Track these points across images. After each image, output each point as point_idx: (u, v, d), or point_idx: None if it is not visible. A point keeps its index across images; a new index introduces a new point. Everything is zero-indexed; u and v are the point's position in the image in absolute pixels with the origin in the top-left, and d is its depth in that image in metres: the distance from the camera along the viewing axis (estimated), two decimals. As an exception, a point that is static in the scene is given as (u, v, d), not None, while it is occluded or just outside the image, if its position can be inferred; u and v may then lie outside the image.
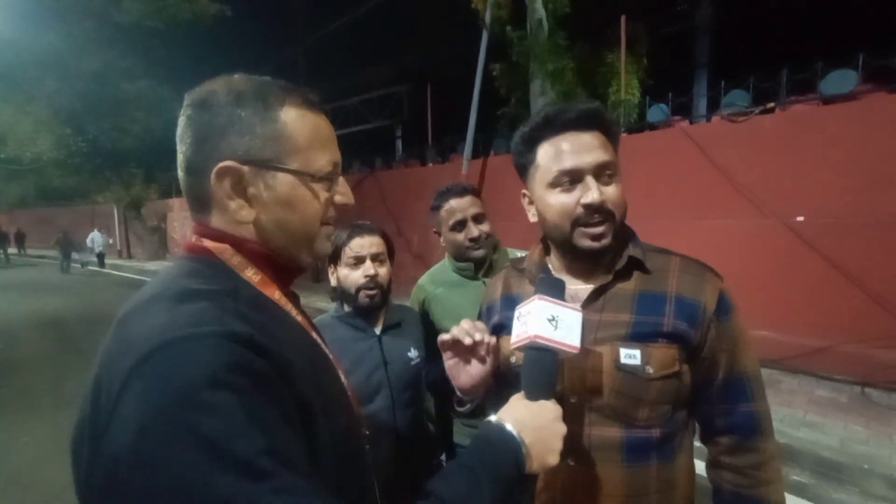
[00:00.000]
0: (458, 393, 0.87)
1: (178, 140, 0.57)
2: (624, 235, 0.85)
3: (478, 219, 1.46)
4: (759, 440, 0.80)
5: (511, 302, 0.93)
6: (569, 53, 7.06)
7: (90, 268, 15.52)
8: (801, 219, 3.91)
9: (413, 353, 1.36)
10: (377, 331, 1.34)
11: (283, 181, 0.56)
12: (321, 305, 6.00)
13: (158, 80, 13.50)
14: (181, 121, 0.56)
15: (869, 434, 2.94)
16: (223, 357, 0.42)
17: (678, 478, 0.80)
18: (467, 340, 0.79)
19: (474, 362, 0.82)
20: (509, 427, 0.60)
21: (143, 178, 16.80)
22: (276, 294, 0.58)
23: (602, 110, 0.82)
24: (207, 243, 0.56)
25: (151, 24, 12.44)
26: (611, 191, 0.79)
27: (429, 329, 1.48)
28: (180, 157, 0.57)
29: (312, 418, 0.48)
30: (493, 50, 6.94)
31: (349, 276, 1.30)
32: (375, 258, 1.30)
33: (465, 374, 0.82)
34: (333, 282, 1.34)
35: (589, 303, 0.83)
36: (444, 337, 0.80)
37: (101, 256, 15.33)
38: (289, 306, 0.59)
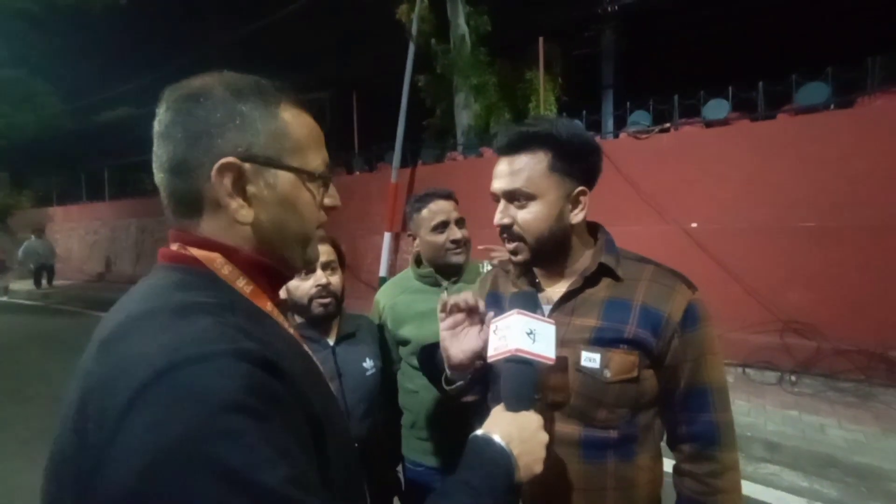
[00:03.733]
0: (448, 371, 0.90)
1: (158, 137, 0.52)
2: (586, 243, 0.90)
3: (460, 223, 1.45)
4: (718, 450, 0.82)
5: (496, 298, 0.99)
6: (490, 69, 7.42)
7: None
8: (694, 225, 4.49)
9: (368, 364, 1.34)
10: (331, 342, 1.31)
11: (284, 180, 0.54)
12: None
13: (30, 69, 11.54)
14: (165, 117, 0.52)
15: (749, 406, 3.44)
16: (240, 379, 0.39)
17: (637, 476, 0.83)
18: (463, 304, 0.83)
19: (468, 337, 0.84)
20: (498, 440, 0.62)
21: (9, 182, 14.31)
22: (268, 305, 0.55)
23: (526, 135, 0.83)
24: (195, 252, 0.52)
25: (20, 6, 10.59)
26: (520, 215, 0.84)
27: (383, 338, 1.47)
28: (164, 156, 0.52)
29: (322, 436, 0.47)
30: (417, 61, 7.05)
31: (300, 286, 1.25)
32: (326, 266, 1.27)
33: (458, 348, 0.85)
34: (283, 294, 1.28)
35: (560, 305, 0.87)
36: (448, 299, 0.84)
37: (48, 271, 10.98)
38: (281, 318, 0.57)
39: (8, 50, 11.31)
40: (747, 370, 4.09)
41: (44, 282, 11.06)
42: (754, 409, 3.40)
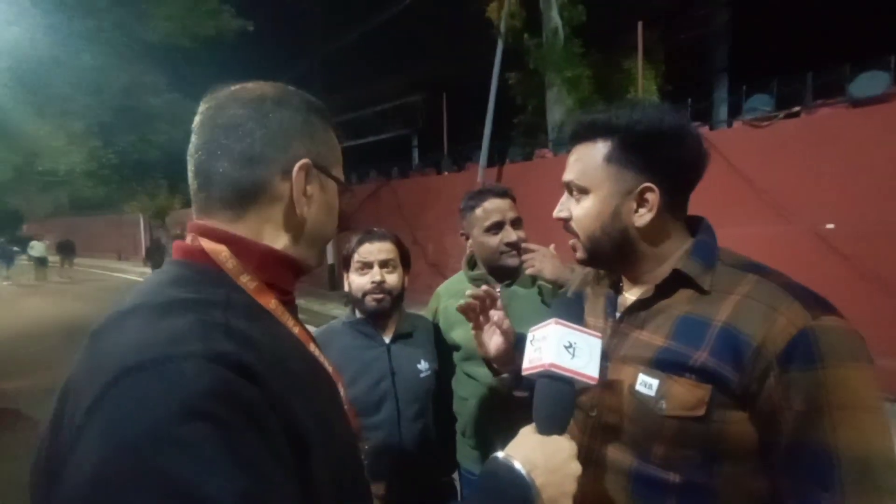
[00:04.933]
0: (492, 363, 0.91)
1: (226, 128, 0.54)
2: (672, 245, 0.75)
3: (516, 223, 1.34)
4: None
5: (578, 299, 0.93)
6: (585, 61, 7.07)
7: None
8: (831, 226, 3.79)
9: (423, 366, 1.32)
10: (387, 339, 1.32)
11: (331, 187, 0.61)
12: (337, 313, 6.04)
13: (183, 94, 13.95)
14: (240, 112, 0.54)
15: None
16: (203, 383, 0.37)
17: None
18: (461, 301, 0.84)
19: (495, 334, 0.86)
20: (518, 466, 0.56)
21: (167, 188, 17.30)
22: (271, 303, 0.54)
23: (586, 123, 0.76)
24: (204, 243, 0.52)
25: (177, 42, 12.83)
26: (574, 209, 0.78)
27: (440, 340, 1.44)
28: (236, 147, 0.53)
29: (307, 448, 0.44)
30: (507, 59, 6.98)
31: (356, 281, 1.29)
32: (385, 264, 1.28)
33: (488, 344, 0.87)
34: (346, 287, 1.34)
35: (628, 314, 0.77)
36: (460, 303, 0.85)
37: None
38: (285, 317, 0.55)
39: (168, 78, 13.84)
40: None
41: None
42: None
